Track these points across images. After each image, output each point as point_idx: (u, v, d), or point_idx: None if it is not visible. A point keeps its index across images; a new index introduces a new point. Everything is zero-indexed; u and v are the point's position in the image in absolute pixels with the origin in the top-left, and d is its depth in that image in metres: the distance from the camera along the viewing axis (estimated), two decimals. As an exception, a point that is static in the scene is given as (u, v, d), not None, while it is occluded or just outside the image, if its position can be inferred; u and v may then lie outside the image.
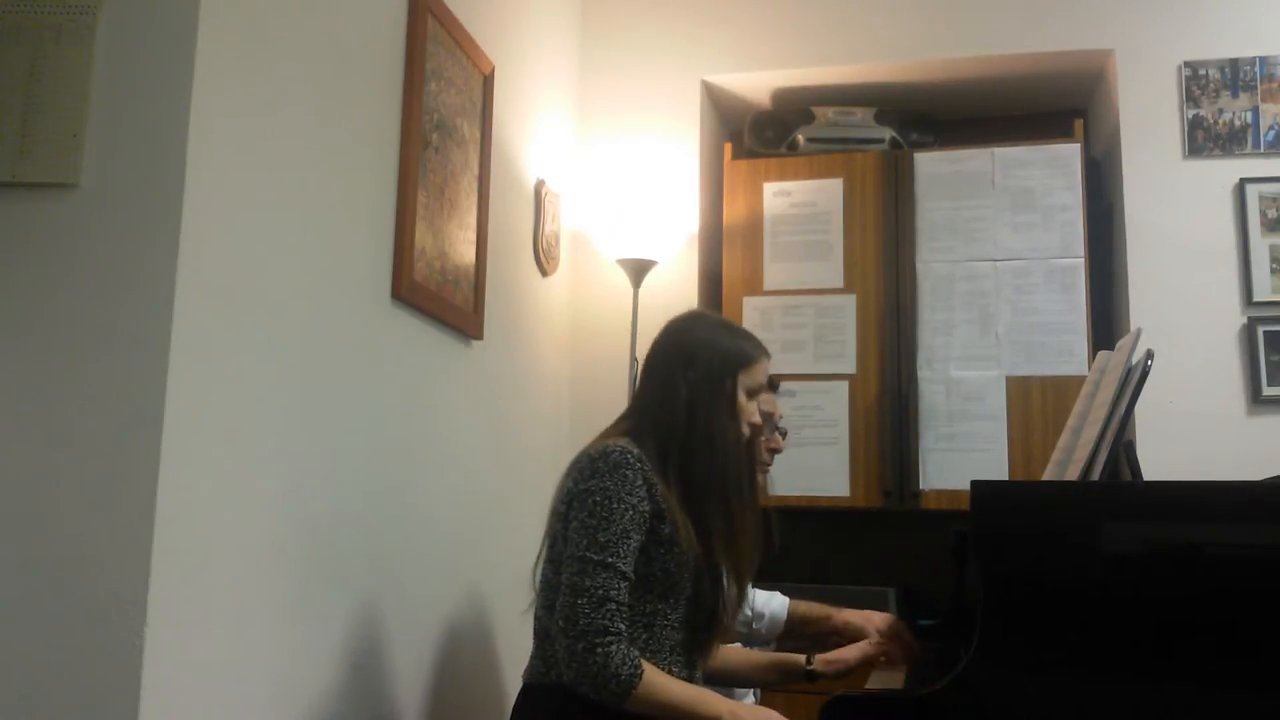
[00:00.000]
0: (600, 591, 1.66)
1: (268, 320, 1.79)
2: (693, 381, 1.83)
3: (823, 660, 2.06)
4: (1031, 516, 1.60)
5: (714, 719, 1.67)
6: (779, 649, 2.26)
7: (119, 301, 1.56)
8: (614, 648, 1.65)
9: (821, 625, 2.13)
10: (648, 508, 1.73)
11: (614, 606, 1.67)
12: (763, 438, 2.35)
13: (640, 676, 1.65)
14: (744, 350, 1.89)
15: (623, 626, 1.68)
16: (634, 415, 1.88)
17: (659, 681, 1.68)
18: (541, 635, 1.81)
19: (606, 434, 1.87)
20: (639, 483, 1.72)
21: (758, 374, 1.89)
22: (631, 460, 1.73)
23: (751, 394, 1.89)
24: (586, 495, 1.73)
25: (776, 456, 2.41)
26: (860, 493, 3.19)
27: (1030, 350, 3.14)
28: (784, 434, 2.48)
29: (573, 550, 1.71)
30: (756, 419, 1.91)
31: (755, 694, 2.34)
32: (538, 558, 1.87)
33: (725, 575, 1.81)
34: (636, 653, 1.68)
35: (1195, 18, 3.19)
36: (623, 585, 1.69)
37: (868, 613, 2.10)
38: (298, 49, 1.89)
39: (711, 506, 1.79)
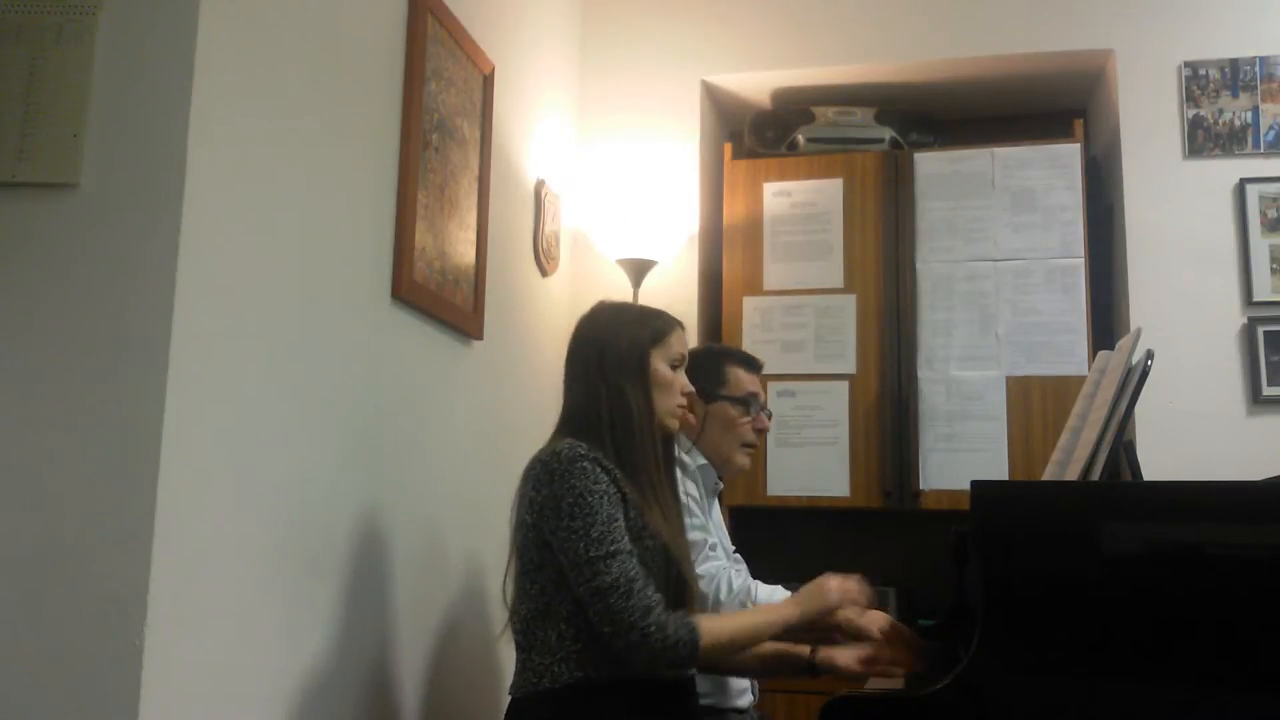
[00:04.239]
0: (622, 580, 1.69)
1: (268, 320, 1.79)
2: (609, 375, 1.86)
3: (825, 655, 2.06)
4: (1031, 516, 1.60)
5: (784, 623, 1.82)
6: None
7: (119, 302, 1.56)
8: (663, 620, 1.69)
9: (822, 621, 2.12)
10: (615, 490, 1.76)
11: (640, 584, 1.70)
12: (748, 418, 2.38)
13: (699, 630, 1.71)
14: (653, 328, 1.92)
15: (657, 594, 1.71)
16: (569, 423, 1.90)
17: (716, 626, 1.77)
18: (525, 648, 1.81)
19: (551, 443, 1.88)
20: (599, 471, 1.76)
21: (674, 345, 1.93)
22: (583, 452, 1.77)
23: (674, 365, 1.93)
24: (557, 501, 1.74)
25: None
26: (860, 493, 3.19)
27: (1030, 350, 3.14)
28: (769, 414, 2.51)
29: (572, 558, 1.72)
30: (688, 387, 1.95)
31: (753, 688, 2.34)
32: (505, 572, 1.88)
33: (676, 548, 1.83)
34: (682, 612, 1.73)
35: (1195, 18, 3.19)
36: (634, 561, 1.72)
37: (870, 612, 2.09)
38: (298, 49, 1.89)
39: (643, 484, 1.82)
